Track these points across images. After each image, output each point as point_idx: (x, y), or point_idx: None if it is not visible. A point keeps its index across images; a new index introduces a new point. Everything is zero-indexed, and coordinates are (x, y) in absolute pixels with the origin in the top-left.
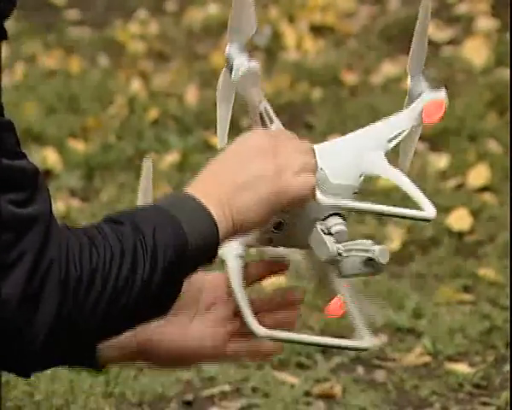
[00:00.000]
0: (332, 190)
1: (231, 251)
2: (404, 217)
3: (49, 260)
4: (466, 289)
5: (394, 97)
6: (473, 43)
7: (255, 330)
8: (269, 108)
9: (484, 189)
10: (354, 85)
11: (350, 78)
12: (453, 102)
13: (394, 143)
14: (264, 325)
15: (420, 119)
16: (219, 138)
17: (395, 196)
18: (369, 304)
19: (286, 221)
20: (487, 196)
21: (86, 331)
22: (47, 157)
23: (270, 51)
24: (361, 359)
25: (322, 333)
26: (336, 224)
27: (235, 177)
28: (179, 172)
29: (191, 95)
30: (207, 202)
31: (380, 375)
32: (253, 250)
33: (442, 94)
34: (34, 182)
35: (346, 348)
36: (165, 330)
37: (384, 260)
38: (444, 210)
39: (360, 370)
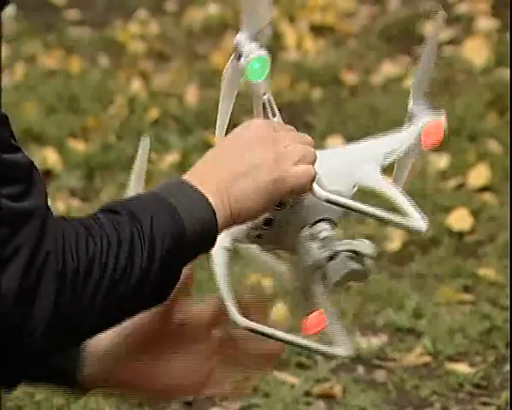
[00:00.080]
0: None
1: (218, 243)
2: (396, 225)
3: (45, 253)
4: (466, 289)
5: (394, 97)
6: (473, 43)
7: (237, 320)
8: (273, 101)
9: (484, 189)
10: (354, 85)
11: (350, 78)
12: (453, 102)
13: (390, 159)
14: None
15: (418, 140)
16: (218, 129)
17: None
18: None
19: (276, 219)
20: (487, 196)
21: (85, 323)
22: (47, 157)
23: (270, 51)
24: (361, 359)
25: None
26: (324, 229)
27: (234, 165)
28: (179, 172)
29: (191, 95)
30: (205, 189)
31: (380, 375)
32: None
33: (442, 118)
34: (29, 175)
35: (323, 353)
36: (148, 367)
37: (368, 251)
38: (444, 210)
39: (360, 370)
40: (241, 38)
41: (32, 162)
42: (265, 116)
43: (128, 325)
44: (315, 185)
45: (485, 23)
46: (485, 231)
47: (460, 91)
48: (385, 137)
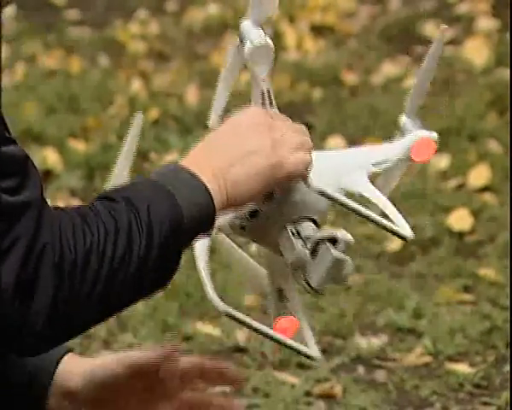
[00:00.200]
0: (311, 195)
1: None
2: (384, 227)
3: (42, 245)
4: (466, 289)
5: (394, 97)
6: (473, 44)
7: (216, 305)
8: (271, 91)
9: (484, 189)
10: (354, 85)
11: (350, 78)
12: (453, 102)
13: (378, 168)
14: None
15: (408, 153)
16: (213, 115)
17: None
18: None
19: (262, 212)
20: (488, 196)
21: (85, 313)
22: (47, 157)
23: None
24: (361, 359)
25: (323, 333)
26: (308, 228)
27: (231, 150)
28: None
29: (191, 95)
30: (202, 174)
31: (380, 375)
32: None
33: (434, 135)
34: (24, 168)
35: (297, 350)
36: None
37: (347, 237)
38: (444, 210)
39: (360, 370)
40: (247, 24)
41: (26, 155)
42: (263, 105)
43: (102, 371)
44: (310, 175)
45: (486, 23)
46: (486, 231)
47: (460, 91)
48: (375, 146)
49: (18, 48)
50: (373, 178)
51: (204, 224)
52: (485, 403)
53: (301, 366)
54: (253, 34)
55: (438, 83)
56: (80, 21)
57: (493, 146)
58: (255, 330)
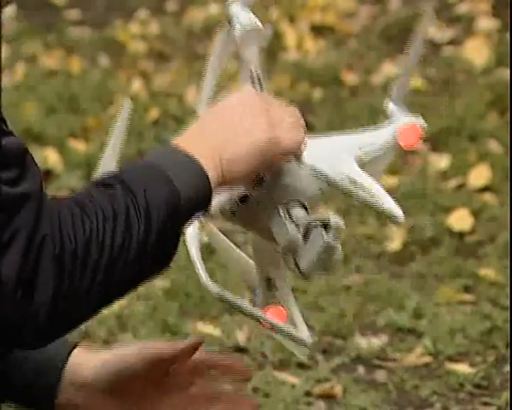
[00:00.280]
0: (301, 179)
1: None
2: (376, 208)
3: (42, 237)
4: (466, 289)
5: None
6: (473, 44)
7: (209, 287)
8: (261, 75)
9: (484, 189)
10: (355, 86)
11: (350, 78)
12: (453, 102)
13: (365, 151)
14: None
15: (395, 139)
16: (201, 102)
17: (396, 195)
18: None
19: (252, 196)
20: (488, 197)
21: (87, 302)
22: (47, 157)
23: (270, 51)
24: (361, 359)
25: (323, 333)
26: (298, 212)
27: (225, 128)
28: None
29: (192, 95)
30: (197, 153)
31: (380, 375)
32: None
33: (420, 121)
34: (23, 159)
35: (290, 336)
36: (124, 407)
37: (338, 223)
38: (444, 210)
39: (361, 370)
40: (235, 8)
41: (25, 147)
42: (254, 88)
43: (114, 361)
44: (304, 154)
45: (486, 23)
46: (486, 232)
47: (460, 91)
48: (363, 131)
49: (18, 48)
50: (361, 165)
51: (201, 204)
52: (486, 403)
53: (301, 365)
54: (243, 17)
55: (438, 83)
56: (80, 21)
57: (493, 146)
58: (247, 314)
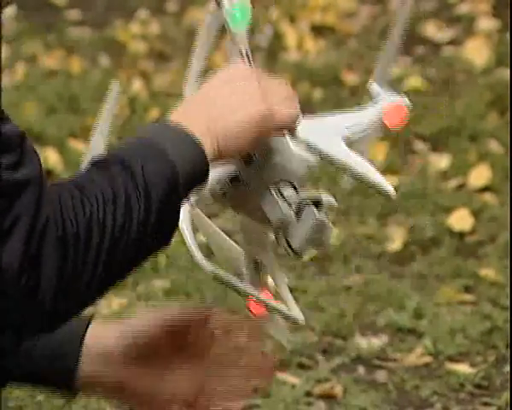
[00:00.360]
0: (291, 158)
1: None
2: (368, 182)
3: (44, 221)
4: (467, 289)
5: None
6: (473, 44)
7: (202, 265)
8: (250, 53)
9: (485, 189)
10: (355, 86)
11: (351, 78)
12: (454, 102)
13: (352, 130)
14: None
15: (380, 118)
16: (188, 82)
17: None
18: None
19: (242, 176)
20: (488, 197)
21: (91, 285)
22: (48, 157)
23: (270, 51)
24: (362, 359)
25: (323, 333)
26: (289, 191)
27: (220, 101)
28: None
29: None
30: (192, 127)
31: (380, 375)
32: None
33: (405, 100)
34: (22, 144)
35: (284, 314)
36: (139, 379)
37: (331, 201)
38: (445, 210)
39: (361, 370)
40: None
41: (24, 133)
42: None
43: (131, 331)
44: (298, 129)
45: (486, 23)
46: (486, 232)
47: (460, 92)
48: (349, 112)
49: (18, 48)
50: (348, 145)
51: (198, 179)
52: (486, 403)
53: (301, 366)
54: None
55: (438, 83)
56: (81, 21)
57: (494, 146)
58: (241, 292)
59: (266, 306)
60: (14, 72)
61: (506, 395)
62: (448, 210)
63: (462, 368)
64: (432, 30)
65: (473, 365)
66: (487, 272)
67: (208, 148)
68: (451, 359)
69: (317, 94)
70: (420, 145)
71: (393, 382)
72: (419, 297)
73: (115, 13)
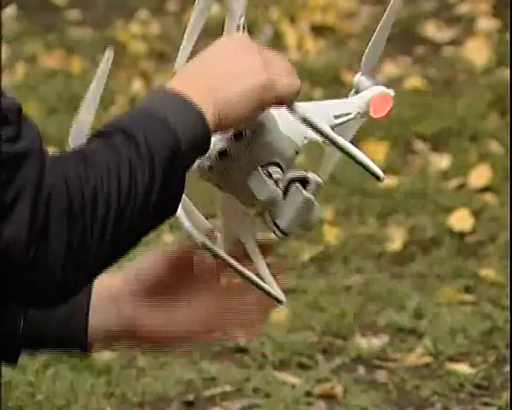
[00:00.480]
0: (279, 138)
1: None
2: (361, 162)
3: (48, 192)
4: (467, 289)
5: (395, 97)
6: (474, 44)
7: (193, 235)
8: (246, 26)
9: (485, 189)
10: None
11: (351, 78)
12: (454, 102)
13: (340, 120)
14: None
15: (366, 108)
16: (180, 57)
17: (397, 195)
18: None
19: (231, 152)
20: (488, 197)
21: (100, 254)
22: None
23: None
24: (362, 359)
25: (324, 333)
26: (276, 172)
27: (221, 68)
28: None
29: None
30: (192, 95)
31: (381, 375)
32: None
33: (390, 91)
34: (19, 117)
35: (268, 292)
36: (150, 316)
37: (317, 179)
38: (445, 210)
39: (361, 370)
40: None
41: (19, 104)
42: None
43: (136, 270)
44: (296, 103)
45: (486, 23)
46: (486, 232)
47: (461, 92)
48: (336, 100)
49: (18, 48)
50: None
51: (200, 147)
52: (486, 403)
53: (302, 366)
54: None
55: (438, 83)
56: (81, 21)
57: (494, 146)
58: (228, 264)
59: (251, 282)
60: (14, 72)
61: (506, 395)
62: (448, 210)
63: (463, 368)
64: (432, 30)
65: (473, 365)
66: (487, 273)
67: (209, 116)
68: (452, 359)
69: (318, 94)
70: (420, 145)
71: (394, 382)
72: (419, 297)
73: (115, 13)
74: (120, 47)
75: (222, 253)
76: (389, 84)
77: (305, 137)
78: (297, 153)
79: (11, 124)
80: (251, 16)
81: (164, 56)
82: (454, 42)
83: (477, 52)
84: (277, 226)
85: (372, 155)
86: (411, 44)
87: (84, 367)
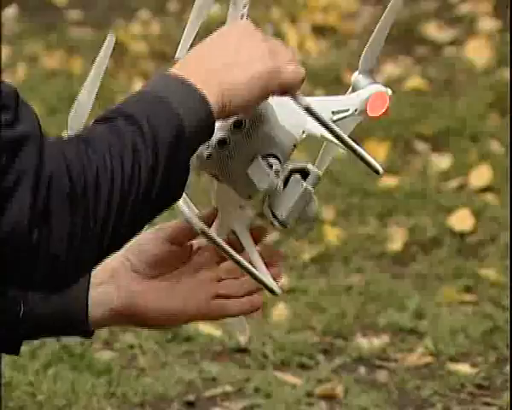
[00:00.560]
0: (278, 130)
1: None
2: (361, 156)
3: (49, 174)
4: (468, 289)
5: (396, 98)
6: (474, 44)
7: (191, 222)
8: (248, 16)
9: (485, 189)
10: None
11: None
12: (455, 102)
13: (337, 117)
14: None
15: (364, 106)
16: (181, 46)
17: (397, 195)
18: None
19: (231, 141)
20: (489, 197)
21: (104, 236)
22: None
23: None
24: (363, 359)
25: (324, 333)
26: (275, 163)
27: (225, 55)
28: None
29: None
30: (195, 80)
31: (381, 375)
32: None
33: (388, 90)
34: (16, 101)
35: (263, 283)
36: (150, 292)
37: (317, 171)
38: (445, 210)
39: (362, 370)
40: None
41: (16, 89)
42: None
43: (133, 250)
44: (299, 94)
45: (487, 24)
46: (487, 232)
47: (461, 92)
48: (334, 96)
49: (19, 48)
50: None
51: (204, 132)
52: (487, 404)
53: (302, 366)
54: None
55: (439, 83)
56: (82, 22)
57: (494, 146)
58: (225, 252)
59: (247, 271)
60: (14, 72)
61: (507, 395)
62: (449, 210)
63: (463, 368)
64: (433, 30)
65: (473, 365)
66: (488, 273)
67: (213, 100)
68: (452, 359)
69: (319, 94)
70: (421, 145)
71: (394, 382)
72: (420, 297)
73: (116, 13)
74: (121, 47)
75: (220, 241)
76: (389, 84)
77: (304, 132)
78: (295, 146)
79: (9, 109)
80: (251, 16)
81: (164, 57)
82: (454, 42)
83: (477, 52)
84: (276, 217)
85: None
86: (412, 44)
87: (84, 367)
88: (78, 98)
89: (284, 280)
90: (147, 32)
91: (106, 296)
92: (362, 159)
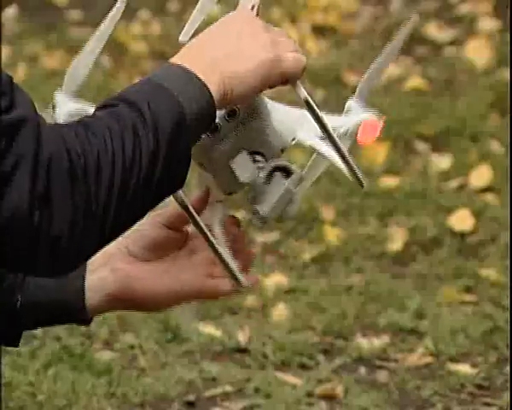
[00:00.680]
0: (269, 130)
1: None
2: (348, 163)
3: (48, 156)
4: (468, 289)
5: (396, 98)
6: (475, 44)
7: (183, 200)
8: (259, 8)
9: (486, 189)
10: (356, 86)
11: (352, 78)
12: (455, 102)
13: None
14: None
15: (355, 130)
16: (186, 29)
17: (397, 195)
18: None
19: (222, 129)
20: (489, 197)
21: (107, 220)
22: None
23: None
24: (363, 359)
25: (325, 334)
26: (262, 160)
27: (227, 43)
28: None
29: None
30: (196, 69)
31: (382, 375)
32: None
33: (380, 120)
34: (11, 87)
35: (232, 271)
36: (146, 275)
37: (299, 172)
38: (446, 211)
39: (362, 370)
40: None
41: (10, 75)
42: None
43: (130, 235)
44: (298, 83)
45: (487, 24)
46: (487, 232)
47: (462, 92)
48: (328, 115)
49: (19, 48)
50: None
51: (205, 120)
52: (487, 404)
53: (303, 366)
54: None
55: (439, 83)
56: (81, 22)
57: (494, 146)
58: (210, 243)
59: (221, 259)
60: (15, 72)
61: (507, 395)
62: (449, 210)
63: (463, 368)
64: (433, 30)
65: (474, 365)
66: (488, 273)
67: (214, 88)
68: (452, 359)
69: (319, 94)
70: (421, 145)
71: (394, 382)
72: (420, 297)
73: None
74: (121, 47)
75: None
76: (389, 84)
77: (294, 139)
78: (282, 151)
79: (4, 95)
80: None
81: (165, 57)
82: (455, 42)
83: (477, 52)
84: (257, 213)
85: (373, 156)
86: (412, 45)
87: (84, 367)
88: (77, 57)
89: (284, 280)
90: (147, 32)
91: (102, 282)
92: (350, 168)
